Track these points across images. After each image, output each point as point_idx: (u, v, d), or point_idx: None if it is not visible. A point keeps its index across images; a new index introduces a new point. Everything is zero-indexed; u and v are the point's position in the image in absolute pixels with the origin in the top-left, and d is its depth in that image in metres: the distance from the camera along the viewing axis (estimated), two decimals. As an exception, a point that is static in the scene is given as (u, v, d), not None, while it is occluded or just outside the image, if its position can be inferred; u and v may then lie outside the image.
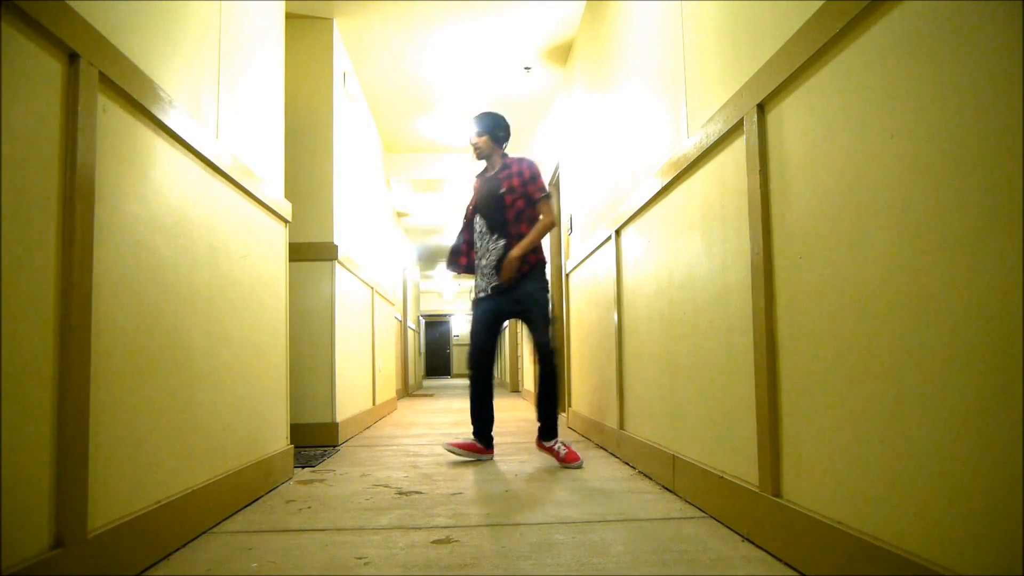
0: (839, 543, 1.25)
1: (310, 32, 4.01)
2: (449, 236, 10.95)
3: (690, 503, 2.07)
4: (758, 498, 1.59)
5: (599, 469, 2.78)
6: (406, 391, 9.66)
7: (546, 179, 4.99)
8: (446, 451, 3.02)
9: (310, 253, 3.80)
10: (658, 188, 2.38)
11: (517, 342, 9.17)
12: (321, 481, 2.59)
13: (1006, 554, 0.89)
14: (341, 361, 3.98)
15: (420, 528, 1.83)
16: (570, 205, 4.59)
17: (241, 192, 2.21)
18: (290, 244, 2.83)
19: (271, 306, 2.51)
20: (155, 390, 1.59)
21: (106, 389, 1.37)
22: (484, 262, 3.13)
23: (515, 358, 9.84)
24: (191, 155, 1.83)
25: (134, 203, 1.51)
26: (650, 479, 2.50)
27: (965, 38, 0.97)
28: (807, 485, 1.40)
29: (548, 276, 3.19)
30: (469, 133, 3.27)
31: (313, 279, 3.82)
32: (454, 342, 21.15)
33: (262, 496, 2.30)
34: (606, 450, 3.32)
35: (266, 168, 2.56)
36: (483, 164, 3.31)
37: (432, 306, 19.19)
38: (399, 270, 8.72)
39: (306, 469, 2.89)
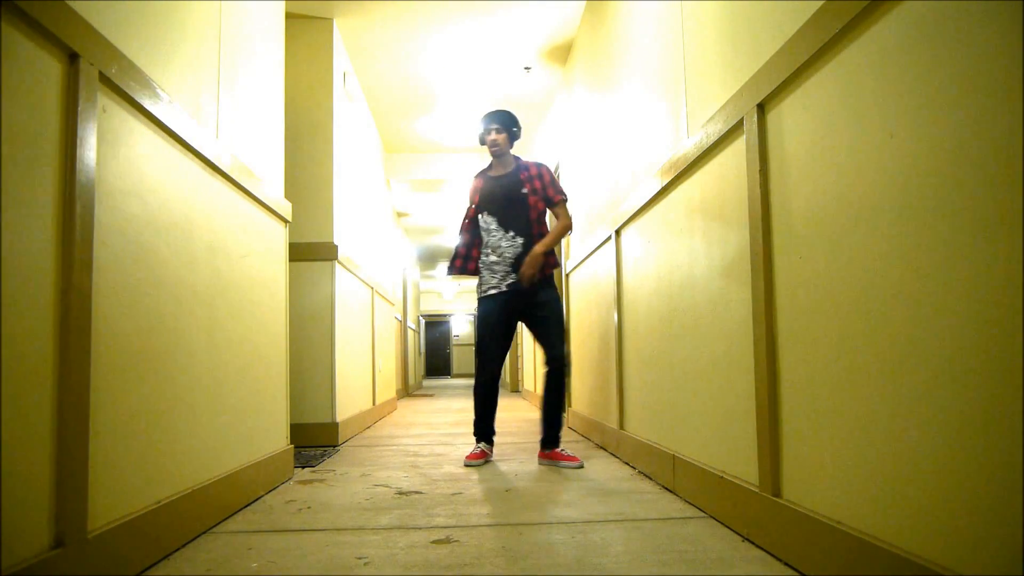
0: (839, 543, 1.25)
1: (310, 32, 4.01)
2: (449, 236, 10.96)
3: (690, 503, 2.07)
4: (758, 498, 1.59)
5: (599, 469, 2.78)
6: (406, 391, 9.67)
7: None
8: (465, 467, 2.93)
9: (310, 253, 3.80)
10: (658, 188, 2.38)
11: (518, 342, 9.17)
12: (321, 481, 2.59)
13: (1006, 554, 0.89)
14: (341, 361, 3.98)
15: (420, 528, 1.83)
16: (570, 205, 4.59)
17: (241, 192, 2.21)
18: (290, 244, 2.83)
19: (271, 306, 2.51)
20: (155, 390, 1.59)
21: (106, 389, 1.37)
22: (495, 258, 3.06)
23: (515, 358, 9.84)
24: (191, 155, 1.83)
25: (134, 203, 1.51)
26: (650, 479, 2.50)
27: (965, 38, 0.97)
28: (807, 485, 1.40)
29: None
30: (484, 129, 3.19)
31: (313, 279, 3.82)
32: (454, 342, 21.15)
33: (262, 496, 2.30)
34: (606, 450, 3.32)
35: (266, 168, 2.56)
36: (480, 163, 3.30)
37: (432, 306, 19.20)
38: (399, 270, 8.72)
39: (306, 469, 2.89)
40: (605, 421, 3.40)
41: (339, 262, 3.93)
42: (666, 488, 2.31)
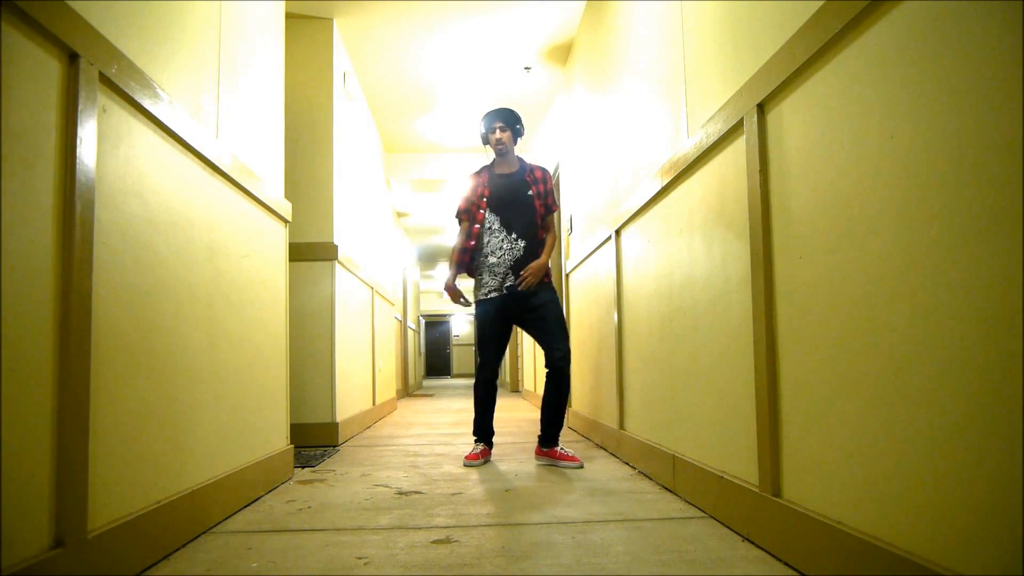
0: (839, 543, 1.25)
1: (310, 32, 4.01)
2: (449, 236, 10.95)
3: (690, 503, 2.07)
4: (758, 498, 1.59)
5: (599, 469, 2.78)
6: (406, 391, 9.67)
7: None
8: (464, 467, 2.93)
9: (310, 253, 3.80)
10: (658, 188, 2.38)
11: (518, 342, 9.18)
12: (321, 481, 2.59)
13: (1006, 554, 0.89)
14: (341, 361, 3.98)
15: (420, 528, 1.83)
16: (570, 205, 4.59)
17: (241, 192, 2.21)
18: (290, 244, 2.83)
19: (271, 306, 2.51)
20: (155, 390, 1.59)
21: (106, 389, 1.37)
22: (494, 260, 3.03)
23: (515, 358, 9.84)
24: (191, 155, 1.83)
25: (134, 203, 1.51)
26: (650, 479, 2.50)
27: (965, 38, 0.97)
28: (807, 485, 1.40)
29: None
30: (488, 128, 3.14)
31: (313, 279, 3.82)
32: (454, 342, 21.15)
33: (262, 496, 2.30)
34: (606, 450, 3.32)
35: (266, 168, 2.56)
36: (480, 162, 3.28)
37: (432, 306, 19.20)
38: (399, 270, 8.72)
39: (306, 469, 2.89)
40: (605, 421, 3.40)
41: (339, 262, 3.93)
42: (666, 488, 2.31)
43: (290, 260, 2.83)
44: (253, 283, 2.31)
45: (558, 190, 5.37)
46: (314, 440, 3.69)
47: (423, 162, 6.99)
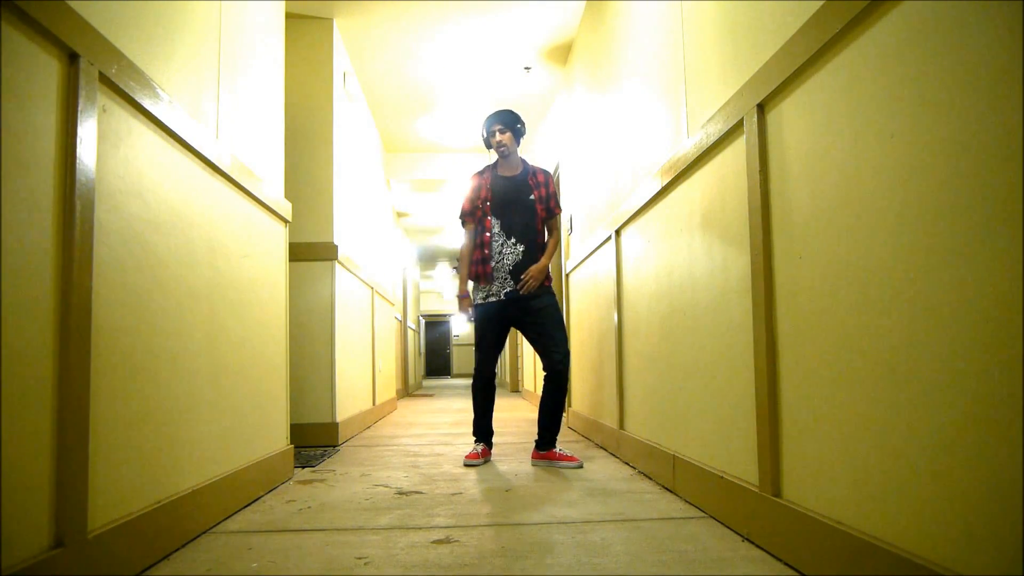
0: (839, 543, 1.25)
1: (310, 32, 4.01)
2: (449, 236, 10.95)
3: (690, 503, 2.07)
4: (758, 498, 1.59)
5: (599, 469, 2.78)
6: (406, 391, 9.67)
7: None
8: (464, 467, 2.91)
9: (310, 253, 3.80)
10: (658, 188, 2.38)
11: (518, 342, 9.18)
12: (321, 481, 2.59)
13: (1006, 554, 0.89)
14: (341, 361, 3.98)
15: (420, 528, 1.83)
16: (570, 205, 4.59)
17: (241, 192, 2.21)
18: (290, 244, 2.83)
19: (271, 306, 2.51)
20: (155, 390, 1.59)
21: (106, 389, 1.37)
22: (495, 264, 3.01)
23: (515, 358, 9.84)
24: (191, 155, 1.83)
25: (134, 203, 1.51)
26: (650, 479, 2.50)
27: (965, 38, 0.97)
28: (807, 485, 1.40)
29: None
30: (488, 131, 3.12)
31: (313, 279, 3.82)
32: (454, 342, 21.14)
33: (262, 496, 2.30)
34: (606, 450, 3.32)
35: (266, 168, 2.56)
36: (481, 162, 3.27)
37: (432, 306, 19.20)
38: (399, 270, 8.72)
39: (306, 469, 2.89)
40: (605, 421, 3.41)
41: (339, 262, 3.93)
42: (666, 488, 2.31)
43: (290, 260, 2.83)
44: (253, 283, 2.31)
45: (558, 190, 5.37)
46: (314, 440, 3.69)
47: (423, 162, 6.99)
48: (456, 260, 13.34)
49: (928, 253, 1.04)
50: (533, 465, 2.92)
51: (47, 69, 1.20)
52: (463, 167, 6.93)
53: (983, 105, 0.93)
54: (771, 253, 1.56)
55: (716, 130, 1.83)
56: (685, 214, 2.16)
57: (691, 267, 2.11)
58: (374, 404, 5.27)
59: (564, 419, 4.78)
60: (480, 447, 3.04)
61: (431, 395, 10.00)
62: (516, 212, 3.03)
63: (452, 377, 20.76)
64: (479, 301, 3.07)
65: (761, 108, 1.58)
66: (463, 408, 6.82)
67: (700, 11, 2.03)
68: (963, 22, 0.97)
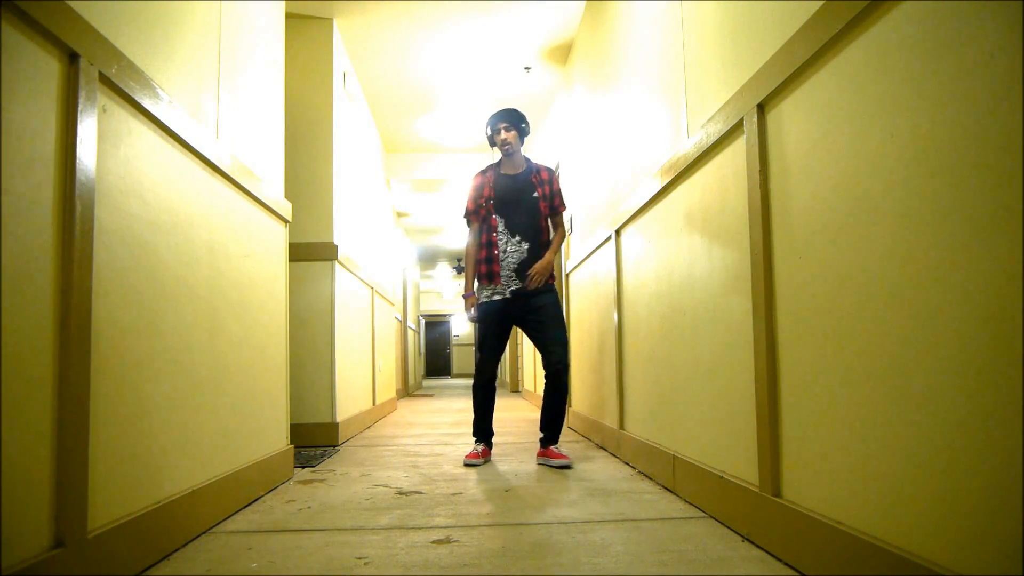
0: (839, 543, 1.25)
1: (310, 32, 4.01)
2: (449, 236, 10.95)
3: (690, 503, 2.07)
4: (758, 498, 1.59)
5: (599, 469, 2.78)
6: (406, 391, 9.67)
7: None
8: (465, 467, 2.90)
9: (310, 253, 3.80)
10: (658, 188, 2.38)
11: (518, 342, 9.17)
12: (321, 481, 2.59)
13: (1006, 554, 0.89)
14: (341, 361, 3.98)
15: (420, 528, 1.83)
16: (570, 205, 4.59)
17: (241, 192, 2.21)
18: (290, 244, 2.83)
19: (271, 306, 2.51)
20: (155, 390, 1.59)
21: (106, 389, 1.37)
22: (501, 262, 3.00)
23: (515, 358, 9.84)
24: (191, 155, 1.83)
25: (134, 203, 1.51)
26: (650, 479, 2.50)
27: (965, 38, 0.97)
28: (807, 485, 1.40)
29: None
30: (493, 129, 3.11)
31: (313, 279, 3.82)
32: (454, 342, 21.14)
33: (262, 496, 2.30)
34: (606, 450, 3.32)
35: (266, 168, 2.56)
36: (481, 162, 3.26)
37: (432, 306, 19.20)
38: (399, 270, 8.72)
39: (306, 469, 2.89)
40: (605, 421, 3.40)
41: (339, 262, 3.93)
42: (666, 488, 2.31)
43: (290, 260, 2.83)
44: (253, 283, 2.31)
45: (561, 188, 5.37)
46: (314, 440, 3.69)
47: (423, 162, 6.99)
48: (459, 260, 13.35)
49: (928, 253, 1.04)
50: (538, 464, 2.93)
51: (47, 69, 1.20)
52: (463, 167, 6.93)
53: (983, 105, 0.93)
54: (771, 253, 1.56)
55: (716, 130, 1.83)
56: (685, 214, 2.16)
57: (691, 267, 2.11)
58: (374, 404, 5.27)
59: (563, 421, 4.77)
60: (480, 447, 3.03)
61: (431, 395, 10.01)
62: (520, 210, 3.02)
63: (452, 377, 20.76)
64: (483, 299, 3.06)
65: (761, 108, 1.58)
66: (463, 408, 6.82)
67: (700, 11, 2.03)
68: (963, 22, 0.97)
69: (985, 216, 0.93)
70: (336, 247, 3.87)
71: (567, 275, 4.63)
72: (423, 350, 16.21)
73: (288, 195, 3.26)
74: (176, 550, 1.64)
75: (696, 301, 2.07)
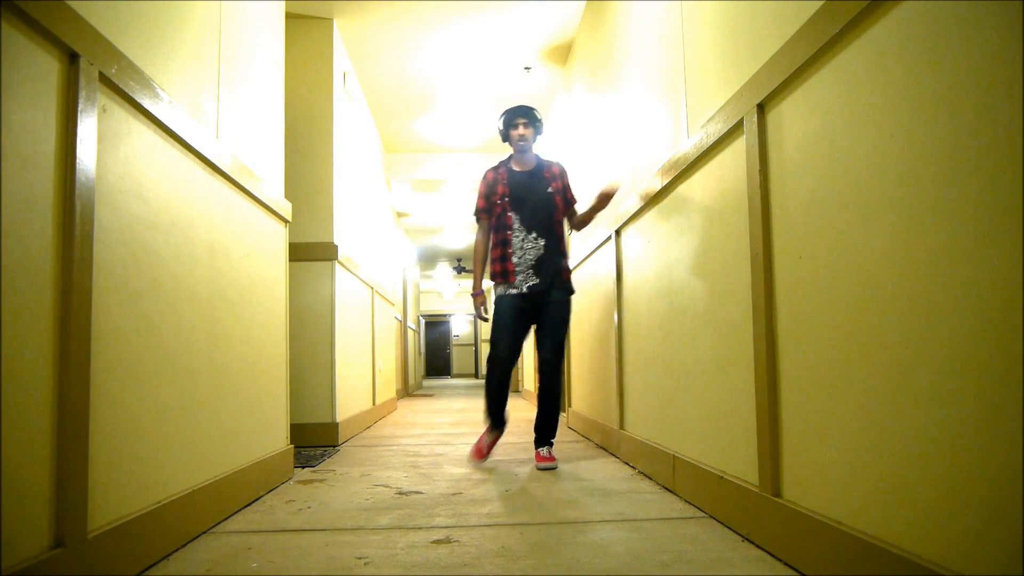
0: (839, 543, 1.25)
1: (310, 32, 4.01)
2: (448, 236, 10.95)
3: (690, 503, 2.07)
4: (758, 498, 1.59)
5: (599, 469, 2.78)
6: (406, 391, 9.67)
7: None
8: (470, 463, 2.89)
9: (310, 253, 3.80)
10: (658, 188, 2.38)
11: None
12: (321, 481, 2.59)
13: (1006, 554, 0.89)
14: (341, 361, 3.98)
15: (420, 528, 1.83)
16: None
17: (241, 192, 2.21)
18: (290, 244, 2.83)
19: (271, 306, 2.51)
20: (155, 390, 1.59)
21: (106, 389, 1.37)
22: (516, 260, 2.94)
23: (515, 358, 9.82)
24: (191, 155, 1.83)
25: (134, 203, 1.51)
26: (650, 479, 2.50)
27: (965, 38, 0.97)
28: (807, 485, 1.40)
29: None
30: (510, 124, 3.06)
31: (313, 279, 3.82)
32: (454, 342, 21.14)
33: (262, 496, 2.30)
34: (606, 450, 3.32)
35: (266, 168, 2.56)
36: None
37: (432, 306, 19.19)
38: (399, 270, 8.72)
39: (306, 469, 2.89)
40: (605, 421, 3.40)
41: (339, 262, 3.93)
42: (666, 488, 2.31)
43: (290, 260, 2.82)
44: (253, 283, 2.31)
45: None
46: (314, 440, 3.69)
47: (423, 162, 6.99)
48: (459, 260, 13.35)
49: (928, 253, 1.04)
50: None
51: (47, 69, 1.20)
52: (463, 167, 6.93)
53: (983, 105, 0.93)
54: (771, 253, 1.56)
55: (716, 130, 1.83)
56: (685, 214, 2.16)
57: (691, 267, 2.11)
58: (374, 404, 5.27)
59: (564, 419, 4.78)
60: (493, 434, 2.96)
61: (431, 395, 10.00)
62: (535, 206, 2.98)
63: (452, 377, 20.76)
64: (500, 293, 2.99)
65: (761, 108, 1.58)
66: (463, 408, 6.82)
67: (700, 11, 2.03)
68: (963, 22, 0.97)
69: (985, 216, 0.93)
70: (336, 247, 3.87)
71: (567, 275, 4.63)
72: (423, 350, 16.21)
73: (288, 195, 3.26)
74: (176, 550, 1.64)
75: (696, 301, 2.07)
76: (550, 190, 3.01)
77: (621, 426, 3.05)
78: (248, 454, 2.22)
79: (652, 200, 2.51)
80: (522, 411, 6.13)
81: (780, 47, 1.47)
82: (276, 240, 2.60)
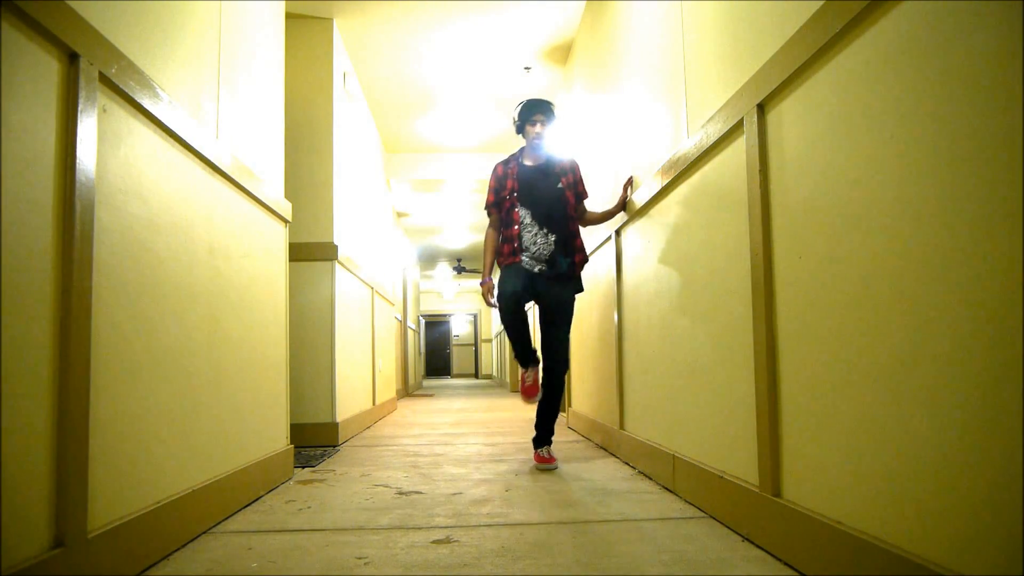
0: (839, 543, 1.25)
1: (310, 32, 4.01)
2: (448, 236, 10.95)
3: (690, 503, 2.07)
4: (758, 498, 1.59)
5: (599, 469, 2.78)
6: (406, 391, 9.67)
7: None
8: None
9: (310, 253, 3.80)
10: (658, 188, 2.38)
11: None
12: (321, 481, 2.59)
13: (1006, 554, 0.89)
14: (341, 361, 3.98)
15: (420, 528, 1.83)
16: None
17: (241, 192, 2.21)
18: (290, 244, 2.83)
19: (271, 306, 2.51)
20: (155, 390, 1.59)
21: (106, 389, 1.37)
22: (526, 256, 2.88)
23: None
24: (191, 155, 1.83)
25: (134, 203, 1.51)
26: (650, 479, 2.50)
27: (965, 38, 0.97)
28: (807, 485, 1.40)
29: None
30: (527, 119, 3.01)
31: (313, 279, 3.82)
32: (454, 342, 21.14)
33: (262, 496, 2.30)
34: (606, 450, 3.32)
35: (266, 168, 2.56)
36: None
37: (432, 306, 19.19)
38: (399, 270, 8.72)
39: (306, 469, 2.89)
40: (605, 421, 3.40)
41: (339, 262, 3.93)
42: (666, 488, 2.31)
43: (290, 260, 2.82)
44: (253, 283, 2.31)
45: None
46: (314, 440, 3.69)
47: (423, 162, 6.99)
48: (459, 260, 13.35)
49: (928, 253, 1.04)
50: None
51: (47, 69, 1.20)
52: (463, 167, 6.93)
53: (983, 105, 0.93)
54: (771, 253, 1.56)
55: (716, 130, 1.83)
56: (685, 214, 2.16)
57: (691, 267, 2.11)
58: (374, 404, 5.27)
59: (564, 419, 4.78)
60: (531, 371, 2.89)
61: (431, 395, 10.01)
62: (546, 202, 2.93)
63: (452, 377, 20.76)
64: (506, 264, 2.91)
65: (761, 108, 1.58)
66: (463, 408, 6.82)
67: (700, 11, 2.03)
68: (963, 22, 0.97)
69: (985, 216, 0.93)
70: (336, 247, 3.87)
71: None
72: (423, 350, 16.21)
73: (288, 195, 3.26)
74: (176, 550, 1.64)
75: (696, 301, 2.07)
76: (560, 185, 2.96)
77: (621, 426, 3.05)
78: (248, 454, 2.22)
79: (652, 200, 2.51)
80: (523, 411, 6.13)
81: (780, 47, 1.47)
82: (276, 240, 2.60)
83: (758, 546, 1.59)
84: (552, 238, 2.90)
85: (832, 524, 1.27)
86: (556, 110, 3.09)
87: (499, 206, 3.00)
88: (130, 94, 1.46)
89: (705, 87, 1.99)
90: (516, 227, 2.91)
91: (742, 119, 1.66)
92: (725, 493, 1.79)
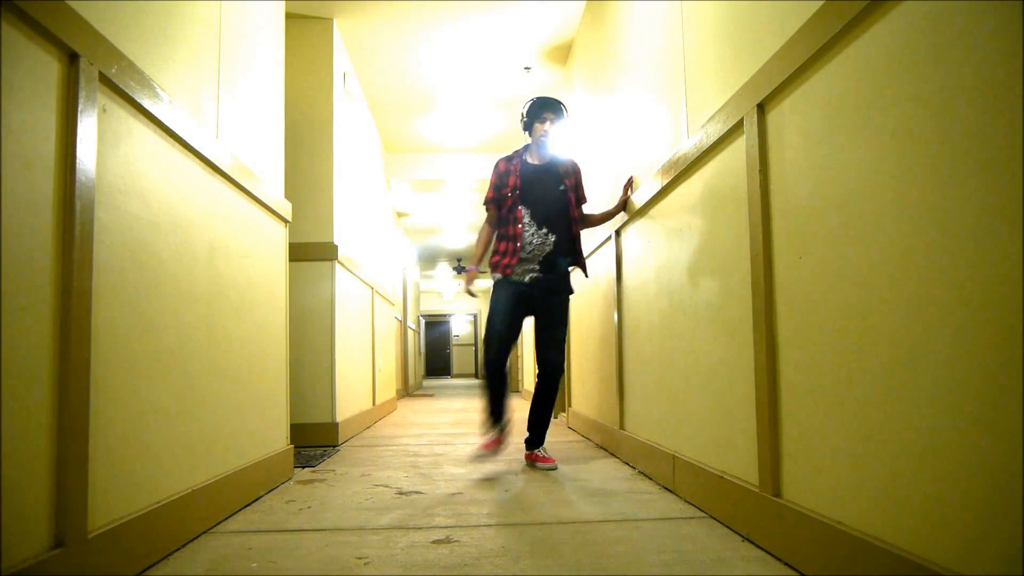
0: (839, 543, 1.25)
1: (310, 32, 4.01)
2: (448, 236, 10.95)
3: (690, 503, 2.07)
4: (758, 498, 1.59)
5: (599, 469, 2.78)
6: (406, 391, 9.67)
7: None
8: (473, 460, 2.85)
9: (310, 253, 3.80)
10: (658, 188, 2.38)
11: (519, 341, 9.14)
12: (321, 481, 2.59)
13: (1006, 554, 0.89)
14: (341, 361, 3.98)
15: (420, 528, 1.83)
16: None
17: (241, 192, 2.21)
18: (290, 244, 2.83)
19: (271, 306, 2.51)
20: (155, 390, 1.59)
21: (106, 389, 1.37)
22: (524, 254, 2.86)
23: (515, 358, 9.83)
24: (191, 155, 1.83)
25: (134, 203, 1.51)
26: (650, 479, 2.50)
27: (965, 38, 0.97)
28: (807, 485, 1.40)
29: None
30: (537, 116, 2.97)
31: (313, 279, 3.82)
32: (454, 342, 21.14)
33: (262, 496, 2.30)
34: (606, 450, 3.32)
35: (266, 168, 2.56)
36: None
37: (432, 306, 19.19)
38: (399, 270, 8.72)
39: (306, 469, 2.89)
40: (605, 421, 3.40)
41: (339, 262, 3.93)
42: (666, 488, 2.31)
43: (290, 260, 2.82)
44: (253, 283, 2.31)
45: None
46: (314, 440, 3.69)
47: (423, 162, 6.99)
48: (459, 261, 13.35)
49: (928, 253, 1.04)
50: (527, 464, 2.92)
51: (47, 69, 1.20)
52: (463, 167, 6.93)
53: (983, 104, 0.93)
54: (771, 253, 1.56)
55: (716, 130, 1.83)
56: (685, 214, 2.16)
57: (691, 267, 2.11)
58: (374, 404, 5.27)
59: (564, 419, 4.78)
60: (491, 435, 2.84)
61: (431, 395, 10.01)
62: (547, 202, 2.90)
63: (452, 377, 20.76)
64: (499, 279, 2.91)
65: (761, 108, 1.58)
66: (463, 408, 6.82)
67: (700, 11, 2.03)
68: (963, 22, 0.97)
69: (985, 216, 0.93)
70: (336, 247, 3.87)
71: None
72: (423, 350, 16.20)
73: (288, 195, 3.25)
74: (176, 550, 1.64)
75: (696, 301, 2.07)
76: (562, 187, 2.94)
77: (621, 426, 3.05)
78: (248, 454, 2.22)
79: (652, 200, 2.51)
80: (522, 411, 6.12)
81: (780, 47, 1.47)
82: (276, 240, 2.60)
83: (758, 546, 1.59)
84: (551, 239, 2.88)
85: (832, 524, 1.27)
86: (567, 110, 3.06)
87: (498, 203, 2.96)
88: (130, 94, 1.46)
89: (705, 87, 1.99)
90: (519, 226, 2.88)
91: (742, 119, 1.66)
92: (725, 493, 1.79)
